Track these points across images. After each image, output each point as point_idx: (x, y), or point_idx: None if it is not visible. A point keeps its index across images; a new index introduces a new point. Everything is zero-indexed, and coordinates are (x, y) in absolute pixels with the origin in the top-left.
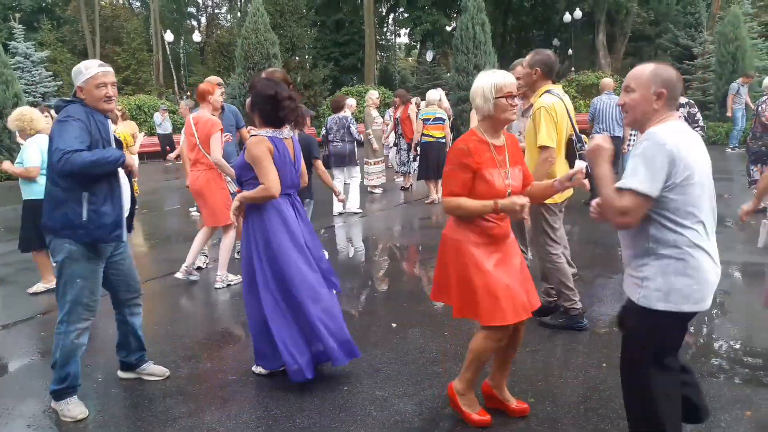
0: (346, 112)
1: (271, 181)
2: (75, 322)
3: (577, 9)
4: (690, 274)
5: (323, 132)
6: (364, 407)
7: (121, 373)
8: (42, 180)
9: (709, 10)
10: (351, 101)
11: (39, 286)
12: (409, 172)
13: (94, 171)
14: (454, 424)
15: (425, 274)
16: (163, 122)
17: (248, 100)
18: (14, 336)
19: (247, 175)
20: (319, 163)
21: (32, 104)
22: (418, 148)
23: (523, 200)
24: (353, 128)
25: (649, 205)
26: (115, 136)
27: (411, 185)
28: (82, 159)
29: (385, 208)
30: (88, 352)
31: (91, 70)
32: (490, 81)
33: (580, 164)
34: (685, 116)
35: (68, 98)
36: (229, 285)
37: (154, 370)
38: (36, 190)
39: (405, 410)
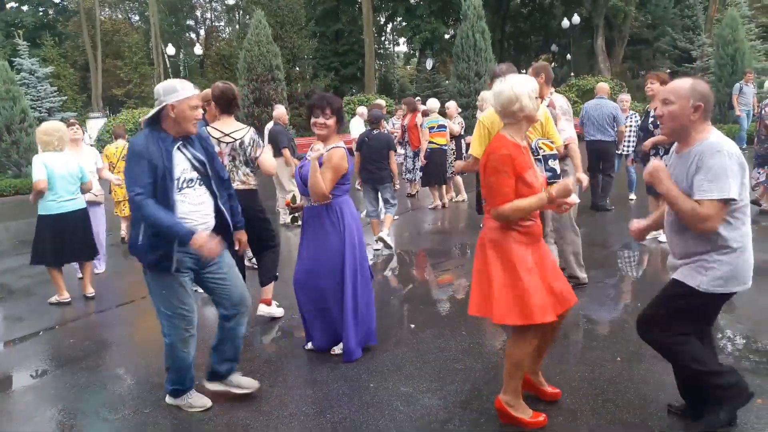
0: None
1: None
2: (174, 333)
3: (575, 14)
4: (746, 259)
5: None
6: (391, 403)
7: (208, 384)
8: (51, 195)
9: (707, 13)
10: (381, 102)
11: (55, 298)
12: (415, 179)
13: (159, 229)
14: (479, 415)
15: (436, 278)
16: None
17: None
18: (42, 344)
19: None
20: None
21: (40, 120)
22: (425, 156)
23: (571, 179)
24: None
25: (728, 209)
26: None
27: (417, 192)
28: (156, 218)
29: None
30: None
31: (187, 90)
32: (531, 84)
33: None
34: None
35: (148, 119)
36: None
37: (241, 381)
38: (46, 206)
39: (430, 404)
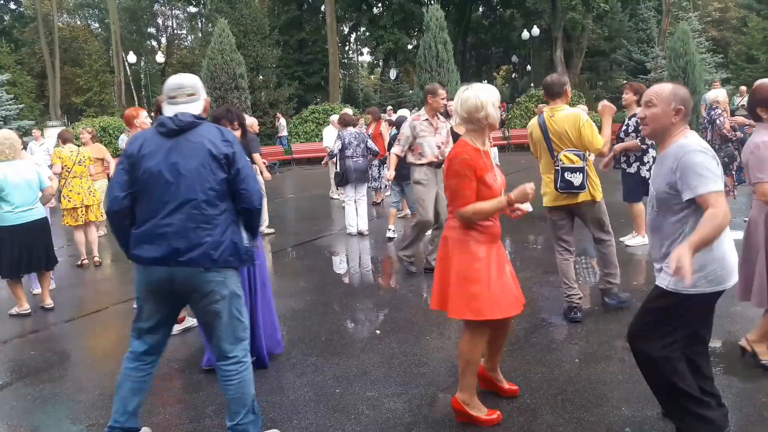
0: (362, 127)
1: None
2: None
3: (535, 26)
4: (717, 258)
5: (336, 147)
6: (357, 407)
7: None
8: (6, 206)
9: (660, 27)
10: (348, 111)
11: (15, 310)
12: (380, 188)
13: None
14: (443, 416)
15: (400, 285)
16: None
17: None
18: (2, 356)
19: None
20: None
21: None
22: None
23: (530, 184)
24: (371, 142)
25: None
26: None
27: (382, 200)
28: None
29: None
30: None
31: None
32: (495, 94)
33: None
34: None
35: (200, 115)
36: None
37: None
38: (3, 217)
39: (395, 408)
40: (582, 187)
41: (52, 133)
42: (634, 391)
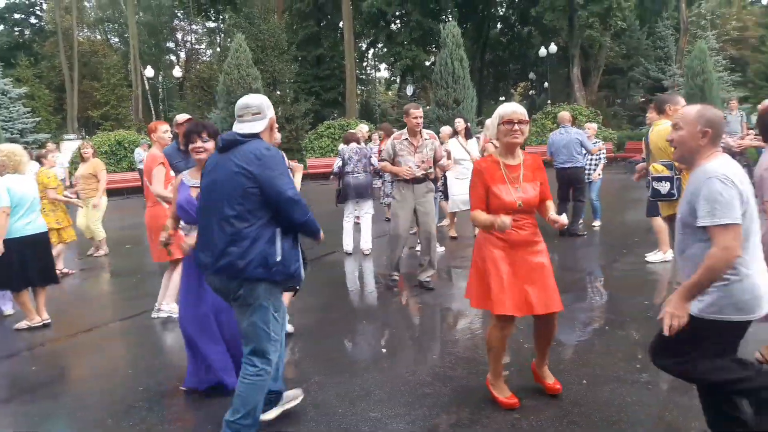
0: (375, 143)
1: None
2: (274, 358)
3: (552, 44)
4: (745, 288)
5: (337, 165)
6: (359, 428)
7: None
8: (11, 220)
9: (678, 45)
10: (364, 127)
11: (23, 324)
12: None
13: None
14: None
15: (410, 302)
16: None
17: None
18: (3, 371)
19: None
20: None
21: (11, 141)
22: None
23: (506, 219)
24: (374, 158)
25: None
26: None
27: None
28: (312, 218)
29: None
30: None
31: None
32: (497, 112)
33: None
34: None
35: (248, 133)
36: (170, 317)
37: (289, 395)
38: (12, 229)
39: (398, 429)
40: (670, 195)
41: (68, 146)
42: (642, 415)
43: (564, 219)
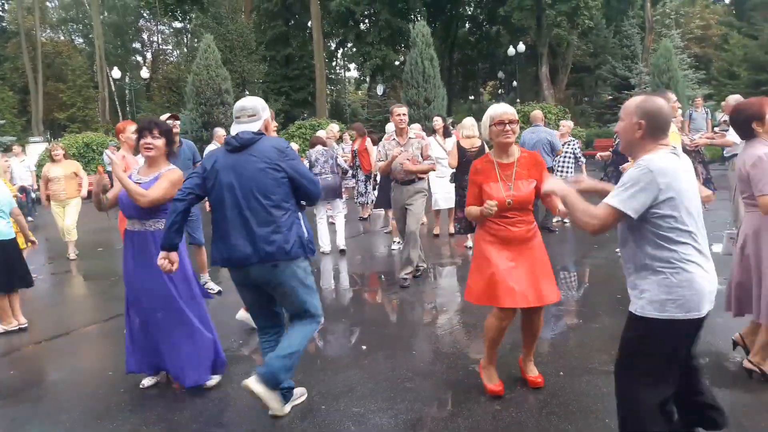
0: (347, 143)
1: None
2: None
3: (521, 42)
4: (684, 285)
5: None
6: (343, 423)
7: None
8: None
9: (644, 43)
10: (335, 127)
11: (1, 327)
12: (367, 203)
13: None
14: (429, 431)
15: (388, 301)
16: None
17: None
18: None
19: None
20: None
21: None
22: (378, 178)
23: (491, 203)
24: (340, 159)
25: (621, 221)
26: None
27: (369, 215)
28: None
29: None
30: None
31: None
32: (487, 113)
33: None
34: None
35: (259, 131)
36: None
37: (298, 391)
38: None
39: (381, 423)
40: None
41: (34, 149)
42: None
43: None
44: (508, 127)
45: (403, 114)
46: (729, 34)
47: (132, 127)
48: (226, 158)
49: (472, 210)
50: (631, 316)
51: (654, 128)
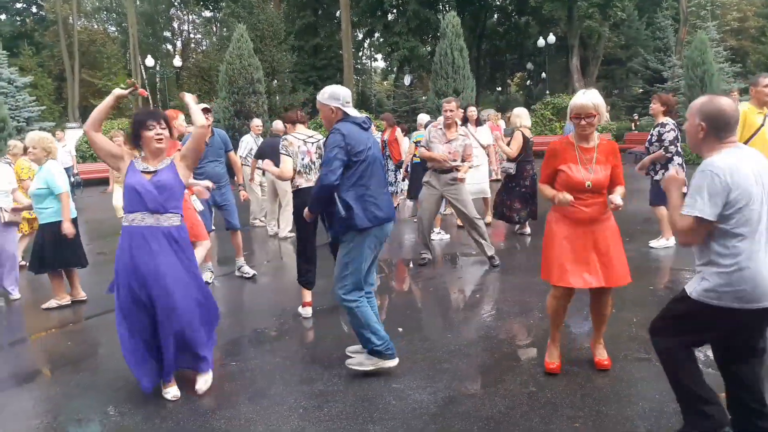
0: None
1: None
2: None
3: (551, 34)
4: (744, 278)
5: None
6: (384, 397)
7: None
8: (55, 203)
9: (677, 36)
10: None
11: (52, 302)
12: (397, 192)
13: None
14: (467, 408)
15: (418, 286)
16: None
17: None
18: (41, 346)
19: None
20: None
21: (18, 129)
22: (408, 169)
23: (567, 196)
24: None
25: (710, 228)
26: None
27: (398, 204)
28: None
29: None
30: None
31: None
32: (570, 102)
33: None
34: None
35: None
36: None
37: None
38: (54, 212)
39: (421, 399)
40: None
41: (71, 134)
42: (651, 389)
43: (618, 200)
44: (584, 122)
45: (451, 110)
46: (766, 26)
47: (182, 116)
48: (366, 136)
49: (545, 190)
50: (682, 293)
51: (716, 129)
